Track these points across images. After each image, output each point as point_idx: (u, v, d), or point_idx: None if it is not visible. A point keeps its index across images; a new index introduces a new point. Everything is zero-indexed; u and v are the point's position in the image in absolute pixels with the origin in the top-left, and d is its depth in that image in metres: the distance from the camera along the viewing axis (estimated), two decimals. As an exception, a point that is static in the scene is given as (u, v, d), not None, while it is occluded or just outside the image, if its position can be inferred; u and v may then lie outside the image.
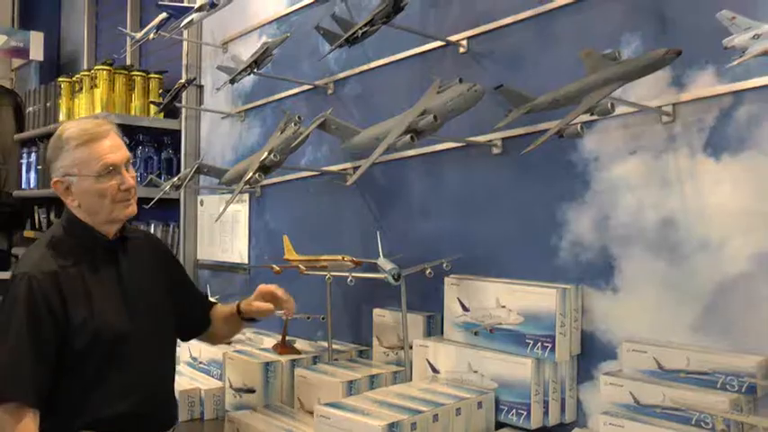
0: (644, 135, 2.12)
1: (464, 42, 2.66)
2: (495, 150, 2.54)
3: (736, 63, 1.66)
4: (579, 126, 2.01)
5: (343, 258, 2.76)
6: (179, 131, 4.20)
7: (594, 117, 2.04)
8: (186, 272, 2.64)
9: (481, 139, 2.55)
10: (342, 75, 3.18)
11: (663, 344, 2.02)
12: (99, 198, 2.11)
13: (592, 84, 1.93)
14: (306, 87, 3.30)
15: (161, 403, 2.29)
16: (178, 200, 4.15)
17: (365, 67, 3.07)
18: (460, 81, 2.29)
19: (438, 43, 2.73)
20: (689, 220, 2.01)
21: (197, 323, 2.53)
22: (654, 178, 2.09)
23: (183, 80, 3.69)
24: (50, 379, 2.04)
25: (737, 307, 1.92)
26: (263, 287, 2.44)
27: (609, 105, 1.90)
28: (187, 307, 2.46)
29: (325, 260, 2.81)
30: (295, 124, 2.71)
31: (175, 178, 3.39)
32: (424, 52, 2.82)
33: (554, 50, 2.38)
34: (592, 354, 2.24)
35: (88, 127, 2.12)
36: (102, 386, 2.09)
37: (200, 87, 4.06)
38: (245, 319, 2.49)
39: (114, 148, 2.12)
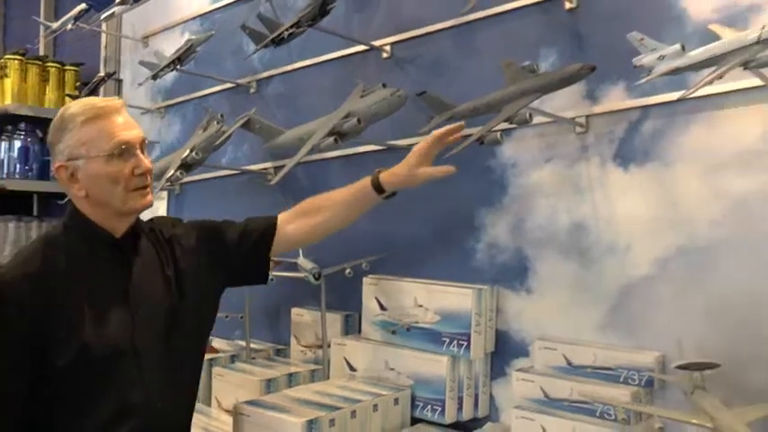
0: (559, 144, 2.23)
1: (387, 48, 2.72)
2: (416, 154, 2.60)
3: (644, 81, 1.78)
4: (499, 134, 2.12)
5: (264, 256, 2.77)
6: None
7: (513, 126, 2.13)
8: (215, 228, 2.06)
9: (402, 142, 2.62)
10: (265, 74, 3.20)
11: (572, 341, 2.14)
12: (110, 184, 1.74)
13: (511, 94, 2.03)
14: (228, 85, 3.30)
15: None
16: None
17: (289, 68, 3.10)
18: (384, 86, 2.36)
19: (362, 47, 2.78)
20: (598, 225, 2.13)
21: (262, 258, 2.06)
22: (567, 185, 2.20)
23: (102, 74, 3.62)
24: (22, 411, 1.67)
25: (639, 307, 2.05)
26: (420, 148, 1.99)
27: (527, 115, 2.00)
28: (245, 254, 2.04)
29: (245, 258, 2.81)
30: (218, 122, 2.72)
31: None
32: (347, 55, 2.87)
33: (475, 59, 2.47)
34: (505, 351, 2.34)
35: (96, 101, 1.78)
36: (91, 415, 1.70)
37: (120, 82, 3.99)
38: (385, 194, 2.03)
39: (128, 125, 1.78)
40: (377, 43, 2.73)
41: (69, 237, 1.80)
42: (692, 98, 1.89)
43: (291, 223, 2.06)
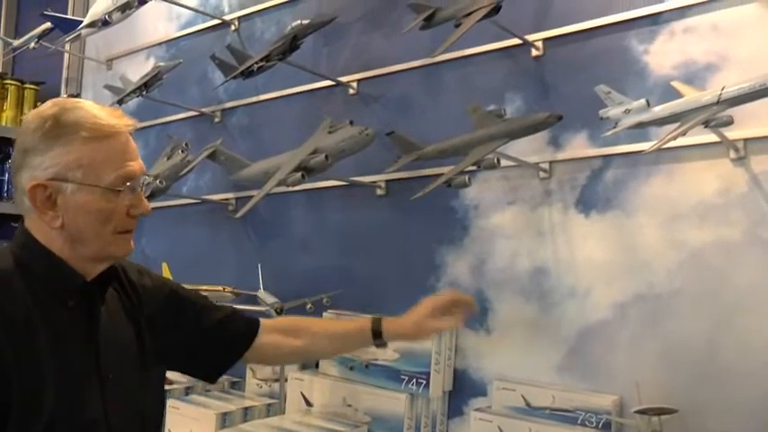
0: (522, 188, 2.28)
1: (354, 84, 2.76)
2: (379, 192, 2.64)
3: (610, 133, 1.84)
4: (467, 177, 2.15)
5: (224, 289, 2.75)
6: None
7: (477, 168, 2.17)
8: (185, 292, 1.76)
9: (366, 179, 2.65)
10: (230, 104, 3.20)
11: (531, 383, 2.16)
12: (99, 222, 1.39)
13: (479, 138, 2.07)
14: (192, 113, 3.29)
15: None
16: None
17: (254, 99, 3.11)
18: (351, 123, 2.38)
19: (329, 82, 2.81)
20: (559, 269, 2.18)
21: (222, 360, 1.78)
22: (529, 229, 2.25)
23: (65, 95, 3.57)
24: None
25: (598, 350, 2.09)
26: (433, 302, 1.80)
27: (495, 160, 2.04)
28: (206, 347, 1.74)
29: (204, 290, 2.79)
30: (182, 151, 2.71)
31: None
32: (314, 90, 2.89)
33: (440, 100, 2.51)
34: (463, 390, 2.36)
35: (104, 116, 1.39)
36: None
37: (80, 104, 3.92)
38: (380, 343, 1.81)
39: (135, 153, 1.43)
40: (344, 79, 2.76)
41: (25, 275, 1.38)
42: (653, 151, 1.97)
43: (267, 335, 1.79)
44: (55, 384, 1.32)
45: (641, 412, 1.77)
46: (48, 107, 1.40)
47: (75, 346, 1.40)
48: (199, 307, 1.73)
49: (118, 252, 1.46)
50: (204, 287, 2.79)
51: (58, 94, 3.70)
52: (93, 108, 1.41)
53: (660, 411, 1.76)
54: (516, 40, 2.27)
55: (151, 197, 2.64)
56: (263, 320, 1.81)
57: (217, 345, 1.73)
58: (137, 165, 1.42)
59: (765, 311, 1.83)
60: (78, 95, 3.81)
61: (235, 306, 1.86)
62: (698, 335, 1.92)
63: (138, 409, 1.51)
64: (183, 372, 1.88)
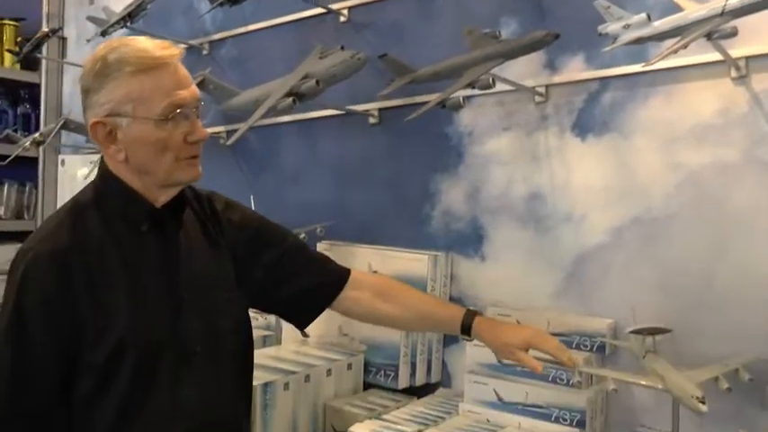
0: (517, 113, 2.24)
1: (345, 11, 2.69)
2: (372, 120, 2.60)
3: (609, 49, 1.80)
4: (461, 98, 2.11)
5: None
6: (38, 85, 3.97)
7: (473, 92, 2.14)
8: (275, 232, 1.76)
9: (359, 108, 2.60)
10: (218, 36, 3.13)
11: (526, 308, 2.16)
12: (157, 152, 1.43)
13: (475, 59, 2.03)
14: (181, 46, 3.20)
15: None
16: (36, 158, 3.93)
17: (242, 30, 3.04)
18: (342, 49, 2.33)
19: (319, 10, 2.74)
20: (555, 194, 2.16)
21: (308, 307, 1.77)
22: (524, 154, 2.22)
23: (45, 29, 3.48)
24: (58, 418, 1.40)
25: (593, 275, 2.08)
26: (533, 338, 1.67)
27: (490, 80, 2.00)
28: (287, 290, 1.73)
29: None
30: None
31: (37, 134, 3.21)
32: (304, 18, 2.82)
33: (433, 26, 2.45)
34: (458, 318, 2.35)
35: (150, 47, 1.43)
36: (136, 419, 1.43)
37: (64, 40, 3.85)
38: (466, 338, 1.78)
39: (185, 81, 1.45)
40: (334, 6, 2.69)
41: (102, 205, 1.49)
42: (651, 71, 1.93)
43: (360, 291, 1.76)
44: (127, 305, 1.41)
45: (636, 332, 1.77)
46: (100, 48, 1.46)
47: (148, 269, 1.48)
48: (287, 246, 1.74)
49: (184, 177, 1.49)
50: (196, 219, 2.78)
51: (38, 29, 3.61)
52: (140, 42, 1.45)
53: (654, 331, 1.76)
54: (512, -39, 2.21)
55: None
56: (358, 274, 1.80)
57: (301, 289, 1.73)
58: (187, 92, 1.44)
59: (763, 233, 1.82)
60: (60, 29, 3.71)
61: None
62: (694, 258, 1.91)
63: (215, 328, 1.54)
64: (270, 312, 1.92)
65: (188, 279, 1.51)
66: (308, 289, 1.73)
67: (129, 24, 2.97)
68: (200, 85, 2.66)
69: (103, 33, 3.05)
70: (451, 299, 2.36)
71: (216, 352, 1.53)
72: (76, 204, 1.51)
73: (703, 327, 1.87)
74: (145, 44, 1.44)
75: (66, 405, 1.40)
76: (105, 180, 1.51)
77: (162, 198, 1.51)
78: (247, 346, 1.67)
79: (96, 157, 3.06)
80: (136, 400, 1.42)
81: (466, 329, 1.72)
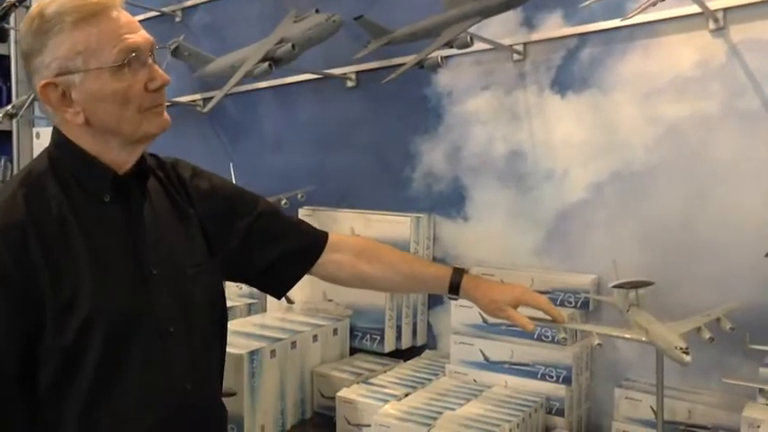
0: (496, 72, 2.22)
1: (319, -26, 2.64)
2: (350, 83, 2.57)
3: (586, 4, 1.79)
4: (439, 58, 2.10)
5: (196, 190, 2.70)
6: (7, 57, 3.88)
7: (451, 52, 2.12)
8: (247, 198, 1.63)
9: (336, 71, 2.57)
10: (190, 2, 3.07)
11: (510, 266, 2.17)
12: (119, 105, 1.30)
13: (451, 18, 2.00)
14: (153, 14, 3.15)
15: (199, 415, 1.46)
16: (10, 132, 3.86)
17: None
18: (317, 12, 2.30)
19: (293, -27, 2.69)
20: (535, 152, 2.15)
21: (286, 274, 1.66)
22: (504, 113, 2.21)
23: (12, -1, 3.39)
24: (11, 405, 1.27)
25: (575, 231, 2.09)
26: (523, 294, 1.63)
27: (468, 39, 1.98)
28: (263, 257, 1.61)
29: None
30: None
31: (9, 107, 3.14)
32: (277, -18, 2.78)
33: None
34: (442, 279, 2.36)
35: None
36: (107, 404, 1.32)
37: (32, 8, 3.76)
38: (453, 297, 1.70)
39: (134, 26, 1.31)
40: (308, -31, 2.64)
41: (59, 175, 1.34)
42: (629, 26, 1.92)
43: (338, 253, 1.66)
44: (91, 281, 1.28)
45: (618, 287, 1.78)
46: (34, 6, 1.31)
47: (113, 242, 1.35)
48: (260, 212, 1.61)
49: (151, 129, 1.35)
50: (175, 189, 2.75)
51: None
52: None
53: (637, 285, 1.77)
54: None
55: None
56: (337, 236, 1.70)
57: (279, 255, 1.61)
58: (138, 37, 1.30)
59: (741, 184, 1.83)
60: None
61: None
62: (675, 211, 1.92)
63: (187, 303, 1.42)
64: (246, 282, 1.78)
65: (156, 252, 1.39)
66: (286, 255, 1.62)
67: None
68: (175, 52, 2.63)
69: (73, 3, 2.98)
70: (435, 260, 2.36)
71: (189, 329, 1.42)
72: (31, 173, 1.35)
73: (685, 278, 1.89)
74: None
75: (29, 393, 1.28)
76: (61, 147, 1.37)
77: (128, 161, 1.38)
78: (222, 320, 1.56)
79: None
80: (106, 383, 1.31)
81: (454, 288, 1.64)
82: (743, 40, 1.82)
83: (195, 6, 3.07)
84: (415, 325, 2.37)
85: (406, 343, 2.35)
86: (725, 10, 1.82)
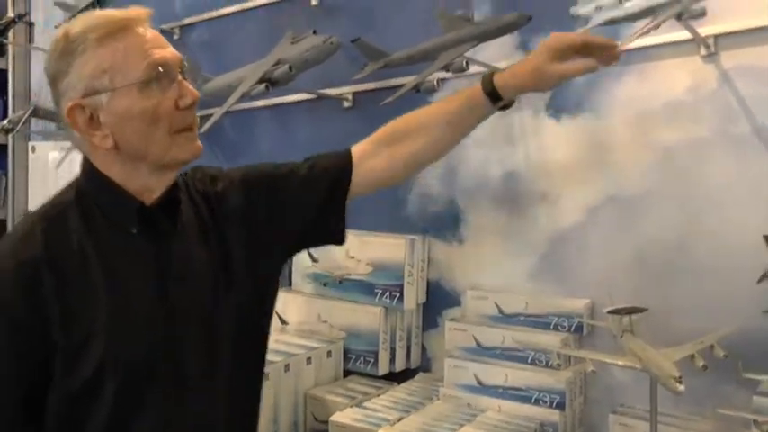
0: (491, 95, 2.22)
1: (317, -6, 2.66)
2: (346, 104, 2.58)
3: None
4: (436, 81, 2.10)
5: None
6: (5, 72, 3.90)
7: (447, 75, 2.12)
8: (269, 175, 1.47)
9: (332, 92, 2.58)
10: (188, 20, 3.08)
11: (504, 290, 2.17)
12: (148, 125, 1.22)
13: (448, 42, 2.01)
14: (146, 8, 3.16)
15: None
16: (5, 146, 3.87)
17: (214, 14, 3.00)
18: (315, 33, 2.31)
19: (290, -6, 2.71)
20: (530, 175, 2.16)
21: (333, 216, 1.48)
22: (500, 135, 2.21)
23: (11, 15, 3.42)
24: None
25: (570, 255, 2.09)
26: (557, 39, 1.38)
27: (463, 63, 1.99)
28: (305, 214, 1.46)
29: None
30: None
31: (5, 121, 3.16)
32: (275, 2, 2.79)
33: (405, 10, 2.42)
34: (437, 301, 2.36)
35: (112, 11, 1.24)
36: None
37: (31, 25, 3.78)
38: (503, 105, 1.46)
39: (161, 41, 1.27)
40: (306, -10, 2.66)
41: (84, 206, 1.27)
42: (623, 50, 1.92)
43: (373, 157, 1.49)
44: (108, 322, 1.20)
45: (613, 312, 1.78)
46: (60, 29, 1.27)
47: (136, 276, 1.26)
48: (279, 173, 1.47)
49: (182, 154, 1.26)
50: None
51: (4, 15, 3.54)
52: (101, 11, 1.27)
53: (631, 311, 1.77)
54: (483, -58, 2.19)
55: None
56: (359, 146, 1.53)
57: (321, 200, 1.46)
58: (166, 52, 1.25)
59: (733, 208, 1.83)
60: (27, 15, 3.65)
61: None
62: (668, 235, 1.92)
63: (214, 339, 1.32)
64: (306, 245, 1.64)
65: (179, 286, 1.29)
66: (330, 190, 1.46)
67: (97, 8, 2.92)
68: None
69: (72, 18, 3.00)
70: (429, 282, 2.36)
71: (215, 367, 1.32)
72: (54, 205, 1.29)
73: (679, 302, 1.89)
74: (106, 11, 1.26)
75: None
76: (88, 177, 1.30)
77: (157, 189, 1.29)
78: (256, 351, 1.45)
79: (66, 143, 3.07)
80: (118, 428, 1.23)
81: (491, 92, 1.42)
82: (734, 66, 1.83)
83: (193, 24, 3.08)
84: (409, 347, 2.36)
85: (400, 365, 2.34)
86: (716, 36, 1.83)
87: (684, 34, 1.83)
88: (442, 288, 2.35)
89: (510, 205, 2.20)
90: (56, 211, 1.27)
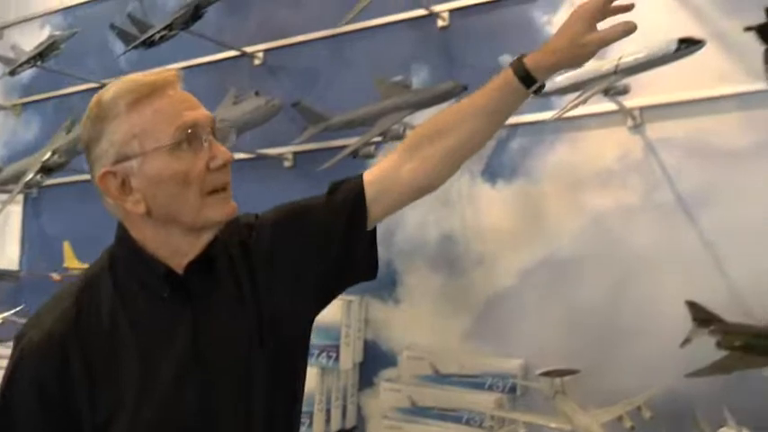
0: (429, 158, 2.28)
1: (260, 54, 2.71)
2: (287, 164, 2.61)
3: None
4: (373, 147, 2.15)
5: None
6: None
7: (385, 140, 2.17)
8: (294, 213, 1.42)
9: (273, 152, 2.61)
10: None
11: (439, 350, 2.19)
12: (180, 187, 1.19)
13: (386, 109, 2.07)
14: (93, 85, 3.16)
15: None
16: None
17: (157, 71, 3.00)
18: (257, 94, 2.34)
19: (233, 53, 2.75)
20: (467, 238, 2.21)
21: (360, 257, 1.41)
22: (437, 199, 2.25)
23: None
24: None
25: (504, 316, 2.13)
26: (583, 7, 1.30)
27: (401, 130, 2.04)
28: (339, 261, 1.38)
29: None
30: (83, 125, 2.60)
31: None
32: (219, 60, 2.83)
33: (347, 71, 2.50)
34: (373, 361, 2.37)
35: (142, 76, 1.23)
36: None
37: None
38: (537, 87, 1.34)
39: (192, 102, 1.24)
40: (249, 49, 2.71)
41: (117, 273, 1.25)
42: (556, 119, 2.01)
43: (407, 163, 1.39)
44: (136, 396, 1.17)
45: (545, 374, 1.82)
46: (94, 96, 1.25)
47: (168, 343, 1.22)
48: (303, 210, 1.42)
49: (215, 216, 1.23)
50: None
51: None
52: (131, 76, 1.24)
53: (563, 373, 1.81)
54: (422, 11, 2.27)
55: (49, 172, 2.54)
56: (385, 161, 1.44)
57: (342, 232, 1.38)
58: (197, 113, 1.22)
59: (658, 273, 1.91)
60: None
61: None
62: (599, 297, 1.99)
63: (249, 403, 1.27)
64: (341, 285, 1.50)
65: (213, 351, 1.24)
66: (349, 221, 1.39)
67: (39, 63, 2.91)
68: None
69: (12, 73, 2.98)
70: (366, 342, 2.37)
71: (250, 419, 1.26)
72: (88, 276, 1.27)
73: (609, 363, 1.94)
74: (138, 75, 1.24)
75: None
76: (121, 243, 1.26)
77: (190, 252, 1.25)
78: (292, 393, 1.38)
79: (5, 197, 3.02)
80: None
81: (527, 79, 1.31)
82: (659, 137, 1.92)
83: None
84: (344, 407, 2.36)
85: (335, 426, 2.33)
86: (641, 108, 1.93)
87: (612, 105, 1.92)
88: (379, 348, 2.36)
89: (446, 267, 2.24)
90: (89, 279, 1.26)
